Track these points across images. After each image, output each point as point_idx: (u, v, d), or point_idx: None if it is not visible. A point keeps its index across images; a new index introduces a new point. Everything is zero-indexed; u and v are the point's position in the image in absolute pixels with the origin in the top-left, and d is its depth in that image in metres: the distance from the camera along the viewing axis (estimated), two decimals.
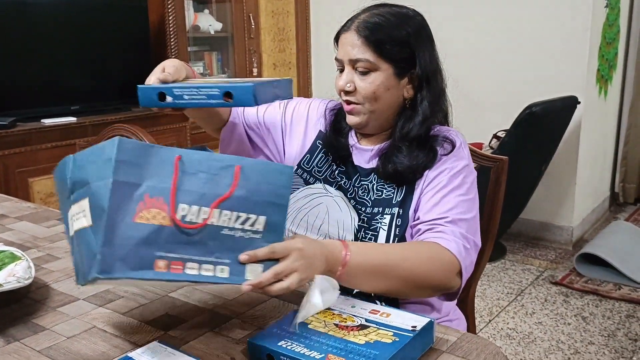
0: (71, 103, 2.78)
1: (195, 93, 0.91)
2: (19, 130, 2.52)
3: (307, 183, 1.19)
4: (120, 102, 2.95)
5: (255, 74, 3.59)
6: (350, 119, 1.13)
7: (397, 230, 1.08)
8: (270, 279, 0.82)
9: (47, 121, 2.64)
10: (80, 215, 0.78)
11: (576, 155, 3.05)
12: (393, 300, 1.07)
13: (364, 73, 1.08)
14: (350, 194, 1.15)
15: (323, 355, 0.78)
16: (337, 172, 1.17)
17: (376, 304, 0.94)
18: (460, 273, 1.02)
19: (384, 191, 1.11)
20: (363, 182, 1.14)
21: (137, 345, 0.88)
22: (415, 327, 0.84)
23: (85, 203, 0.78)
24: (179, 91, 0.92)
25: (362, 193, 1.13)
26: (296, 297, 1.03)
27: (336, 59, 1.13)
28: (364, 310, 0.90)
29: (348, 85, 1.10)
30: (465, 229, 1.04)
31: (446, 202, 1.05)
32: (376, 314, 0.89)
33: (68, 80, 2.79)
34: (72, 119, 2.70)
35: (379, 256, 0.97)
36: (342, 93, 1.12)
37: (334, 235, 1.13)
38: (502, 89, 3.15)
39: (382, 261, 0.97)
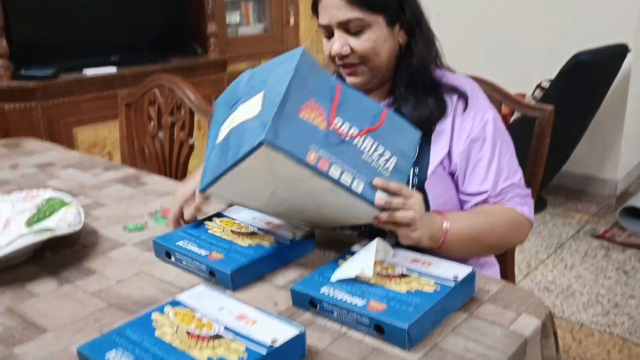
0: (111, 54, 2.80)
1: (190, 263, 0.97)
2: (62, 80, 2.56)
3: None
4: (158, 53, 2.96)
5: (291, 24, 3.54)
6: (352, 80, 1.09)
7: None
8: (399, 204, 0.89)
9: (89, 71, 2.67)
10: (245, 111, 0.88)
11: (624, 106, 2.94)
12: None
13: (357, 32, 1.05)
14: None
15: (365, 302, 0.79)
16: None
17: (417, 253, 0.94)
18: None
19: None
20: None
21: (182, 289, 0.91)
22: (457, 276, 0.84)
23: (257, 98, 0.88)
24: (180, 256, 0.98)
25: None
26: (339, 246, 1.04)
27: (320, 25, 1.08)
28: (405, 259, 0.91)
29: (344, 49, 1.05)
30: (523, 185, 1.10)
31: (501, 169, 1.07)
32: (417, 263, 0.89)
33: (107, 31, 2.80)
34: (113, 70, 2.73)
35: (472, 225, 1.02)
36: (336, 58, 1.08)
37: None
38: (547, 36, 3.04)
39: (475, 230, 1.02)
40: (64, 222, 1.04)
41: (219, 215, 1.09)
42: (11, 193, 1.19)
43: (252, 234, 1.01)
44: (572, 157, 2.96)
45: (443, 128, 1.07)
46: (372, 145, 0.90)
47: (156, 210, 1.23)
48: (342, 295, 0.81)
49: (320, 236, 1.08)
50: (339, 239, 1.07)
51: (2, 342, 0.79)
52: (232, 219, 1.07)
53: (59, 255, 1.05)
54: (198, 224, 1.06)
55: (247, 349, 0.69)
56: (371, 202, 0.87)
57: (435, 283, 0.83)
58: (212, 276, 0.92)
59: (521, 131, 1.12)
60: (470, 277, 0.85)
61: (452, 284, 0.82)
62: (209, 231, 1.03)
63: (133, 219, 1.19)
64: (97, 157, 1.68)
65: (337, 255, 1.00)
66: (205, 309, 0.78)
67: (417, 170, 1.05)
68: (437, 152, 1.06)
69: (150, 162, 1.79)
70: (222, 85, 3.17)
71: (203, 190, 0.94)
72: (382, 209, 0.89)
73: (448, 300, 0.81)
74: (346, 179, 0.85)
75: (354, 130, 0.89)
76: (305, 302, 0.83)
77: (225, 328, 0.74)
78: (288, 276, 0.94)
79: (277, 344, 0.70)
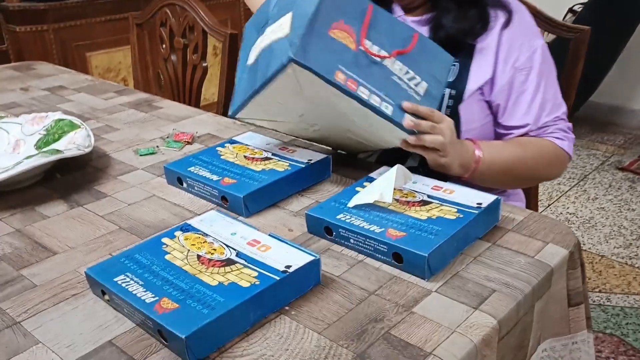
0: None
1: (202, 188, 0.93)
2: (73, 1, 2.48)
3: None
4: None
5: None
6: None
7: (449, 112, 1.00)
8: (428, 127, 0.85)
9: None
10: (274, 32, 0.85)
11: None
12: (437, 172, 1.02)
13: None
14: None
15: (383, 229, 0.76)
16: None
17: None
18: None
19: None
20: None
21: (195, 214, 0.89)
22: (480, 204, 0.80)
23: (286, 18, 0.85)
24: (192, 182, 0.94)
25: None
26: (357, 172, 1.00)
27: None
28: (425, 186, 0.86)
29: None
30: (566, 119, 1.04)
31: (546, 102, 1.01)
32: (439, 190, 0.85)
33: None
34: None
35: (507, 156, 0.98)
36: None
37: None
38: None
39: (509, 161, 0.98)
40: (73, 144, 1.01)
41: (231, 141, 1.05)
42: (20, 115, 1.16)
43: (265, 159, 0.97)
44: (599, 88, 2.84)
45: (486, 50, 0.99)
46: (402, 69, 0.87)
47: (169, 135, 1.19)
48: (359, 222, 0.78)
49: (338, 162, 1.04)
50: (357, 165, 1.03)
51: (11, 262, 0.78)
52: (246, 144, 1.03)
53: (69, 178, 1.02)
54: (210, 150, 1.02)
55: (260, 275, 0.67)
56: (400, 125, 0.84)
57: (457, 211, 0.79)
58: (225, 201, 0.89)
59: (552, 55, 1.05)
60: (494, 205, 0.81)
61: (475, 212, 0.78)
62: (221, 157, 0.99)
63: (145, 144, 1.16)
64: (109, 82, 1.63)
65: (354, 181, 0.96)
66: (216, 234, 0.75)
67: (453, 92, 0.99)
68: (477, 76, 0.99)
69: (164, 88, 1.74)
70: (237, 11, 3.06)
71: (233, 115, 0.92)
72: (411, 132, 0.85)
73: (470, 228, 0.77)
74: (375, 100, 0.82)
75: (384, 53, 0.85)
76: (321, 228, 0.80)
77: (237, 254, 0.71)
78: (303, 202, 0.91)
79: (290, 270, 0.67)
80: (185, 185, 0.95)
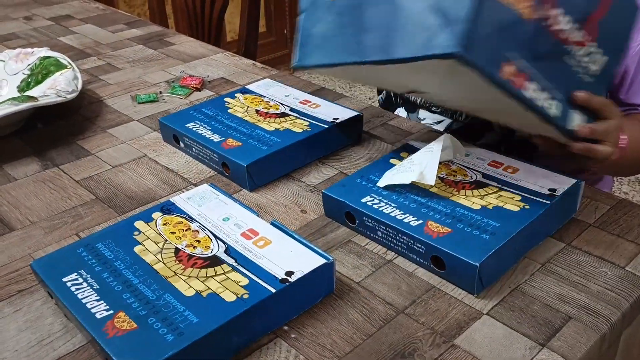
0: None
1: (200, 150, 0.75)
2: None
3: None
4: None
5: None
6: None
7: None
8: (602, 132, 0.62)
9: None
10: None
11: None
12: (523, 149, 0.81)
13: None
14: None
15: (421, 221, 0.57)
16: None
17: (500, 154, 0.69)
18: None
19: None
20: None
21: (190, 183, 0.72)
22: (554, 191, 0.60)
23: None
24: (189, 141, 0.76)
25: None
26: (394, 136, 0.81)
27: None
28: (481, 161, 0.67)
29: None
30: None
31: None
32: (498, 167, 0.65)
33: None
34: None
35: None
36: None
37: None
38: None
39: None
40: (53, 89, 0.84)
41: (243, 90, 0.87)
42: (4, 51, 1.00)
43: (281, 116, 0.78)
44: None
45: None
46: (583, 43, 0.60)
47: (175, 78, 1.02)
48: (390, 209, 0.59)
49: (370, 120, 0.84)
50: (395, 126, 0.84)
51: None
52: (260, 95, 0.85)
53: (51, 129, 0.86)
54: (217, 100, 0.84)
55: (251, 284, 0.50)
56: (566, 130, 0.60)
57: (522, 199, 0.59)
58: (226, 169, 0.72)
59: None
60: (573, 192, 0.61)
61: (547, 202, 0.59)
62: (229, 110, 0.81)
63: (147, 89, 0.99)
64: (121, 11, 1.45)
65: (390, 149, 0.77)
66: (204, 218, 0.59)
67: None
68: None
69: (182, 20, 1.54)
70: None
71: (299, 68, 0.64)
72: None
73: (539, 225, 0.58)
74: (542, 98, 0.57)
75: (569, 25, 0.57)
76: (341, 213, 0.62)
77: (227, 249, 0.54)
78: (323, 173, 0.73)
79: (292, 279, 0.50)
80: (182, 144, 0.78)
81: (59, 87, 0.85)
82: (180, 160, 0.77)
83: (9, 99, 0.80)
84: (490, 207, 0.59)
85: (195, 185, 0.71)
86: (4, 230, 0.64)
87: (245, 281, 0.50)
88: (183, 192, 0.68)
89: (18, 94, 0.91)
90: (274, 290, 0.49)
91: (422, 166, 0.61)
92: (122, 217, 0.66)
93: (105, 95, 0.97)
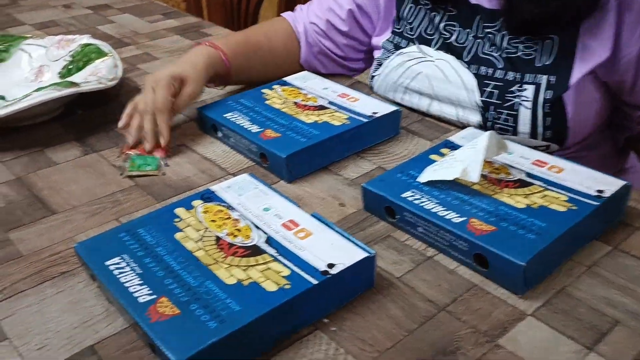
0: None
1: (238, 141, 0.75)
2: None
3: (397, 49, 0.87)
4: None
5: None
6: None
7: (547, 108, 0.73)
8: None
9: None
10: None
11: None
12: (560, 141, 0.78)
13: None
14: (468, 55, 0.80)
15: (464, 218, 0.56)
16: (442, 23, 0.82)
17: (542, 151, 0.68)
18: None
19: (520, 47, 0.75)
20: (488, 32, 0.78)
21: (227, 173, 0.72)
22: (601, 192, 0.59)
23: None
24: (227, 131, 0.77)
25: (488, 49, 0.78)
26: (434, 132, 0.80)
27: None
28: (524, 159, 0.65)
29: None
30: None
31: None
32: (543, 166, 0.64)
33: None
34: None
35: None
36: None
37: (450, 116, 0.82)
38: None
39: None
40: (95, 76, 0.85)
41: (281, 82, 0.86)
42: (45, 38, 1.01)
43: (320, 109, 0.78)
44: None
45: (600, 23, 0.72)
46: None
47: None
48: (431, 205, 0.58)
49: (408, 116, 0.84)
50: (433, 123, 0.83)
51: (0, 221, 0.64)
52: (298, 87, 0.84)
53: (91, 115, 0.87)
54: (254, 92, 0.84)
55: (292, 275, 0.50)
56: None
57: (568, 200, 0.58)
58: (264, 160, 0.71)
59: None
60: (621, 194, 0.60)
61: (595, 203, 0.57)
62: (267, 101, 0.81)
63: None
64: (159, 2, 1.46)
65: (430, 144, 0.76)
66: (245, 207, 0.58)
67: (552, 79, 0.73)
68: (588, 57, 0.72)
69: (216, 13, 1.55)
70: None
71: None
72: None
73: (586, 227, 0.56)
74: None
75: None
76: (380, 207, 0.62)
77: (268, 240, 0.54)
78: (362, 167, 0.72)
79: (334, 271, 0.50)
80: (220, 134, 0.78)
81: (100, 74, 0.85)
82: (218, 150, 0.77)
83: (52, 84, 0.80)
84: (535, 206, 0.57)
85: (233, 175, 0.71)
86: (46, 213, 0.65)
87: (286, 271, 0.50)
88: (221, 181, 0.69)
89: (60, 80, 0.92)
90: (315, 282, 0.48)
91: (465, 163, 0.60)
92: (160, 204, 0.66)
93: (143, 84, 0.97)
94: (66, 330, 0.50)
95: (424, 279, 0.54)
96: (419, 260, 0.57)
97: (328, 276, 0.49)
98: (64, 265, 0.57)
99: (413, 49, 0.85)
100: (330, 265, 0.50)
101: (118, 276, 0.50)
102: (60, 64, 0.95)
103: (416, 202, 0.59)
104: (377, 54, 0.91)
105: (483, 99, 0.77)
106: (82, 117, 0.87)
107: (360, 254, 0.51)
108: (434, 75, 0.82)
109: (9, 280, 0.55)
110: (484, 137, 0.62)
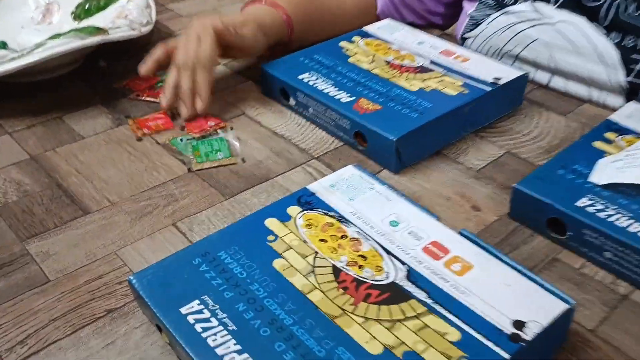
0: None
1: (321, 112, 0.57)
2: None
3: (501, 6, 0.67)
4: None
5: None
6: None
7: None
8: None
9: None
10: None
11: None
12: None
13: None
14: (606, 18, 0.60)
15: None
16: None
17: None
18: None
19: None
20: None
21: (311, 156, 0.54)
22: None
23: None
24: (305, 99, 0.58)
25: (634, 12, 0.58)
26: (569, 103, 0.62)
27: None
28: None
29: None
30: None
31: None
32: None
33: None
34: None
35: None
36: None
37: (581, 96, 0.64)
38: None
39: None
40: (124, 19, 0.66)
41: (361, 32, 0.67)
42: None
43: (422, 71, 0.60)
44: None
45: None
46: None
47: None
48: (625, 221, 0.42)
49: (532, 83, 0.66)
50: (564, 90, 0.65)
51: (13, 225, 0.47)
52: (386, 40, 0.66)
53: (118, 69, 0.69)
54: (331, 44, 0.65)
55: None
56: None
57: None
58: (361, 142, 0.54)
59: None
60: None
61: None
62: (349, 59, 0.62)
63: None
64: None
65: (564, 122, 0.58)
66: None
67: None
68: None
69: None
70: None
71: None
72: None
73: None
74: None
75: None
76: (541, 218, 0.45)
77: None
78: (484, 150, 0.55)
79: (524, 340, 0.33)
80: (293, 102, 0.60)
81: (130, 16, 0.66)
82: (291, 124, 0.59)
83: (72, 30, 0.61)
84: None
85: (318, 159, 0.54)
86: (77, 213, 0.48)
87: (455, 334, 0.33)
88: (306, 169, 0.51)
89: (73, 22, 0.73)
90: (507, 357, 0.32)
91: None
92: (228, 200, 0.49)
93: (177, 29, 0.78)
94: None
95: (627, 331, 0.38)
96: (610, 301, 0.40)
97: (521, 344, 0.33)
98: (111, 299, 0.40)
99: (525, 6, 0.65)
100: (519, 325, 0.34)
101: (202, 334, 0.34)
102: (73, 2, 0.76)
103: (600, 215, 0.42)
104: (468, 7, 0.72)
105: (631, 79, 0.59)
106: (107, 72, 0.68)
107: (557, 306, 0.35)
108: (554, 44, 0.63)
109: (35, 323, 0.39)
110: None
